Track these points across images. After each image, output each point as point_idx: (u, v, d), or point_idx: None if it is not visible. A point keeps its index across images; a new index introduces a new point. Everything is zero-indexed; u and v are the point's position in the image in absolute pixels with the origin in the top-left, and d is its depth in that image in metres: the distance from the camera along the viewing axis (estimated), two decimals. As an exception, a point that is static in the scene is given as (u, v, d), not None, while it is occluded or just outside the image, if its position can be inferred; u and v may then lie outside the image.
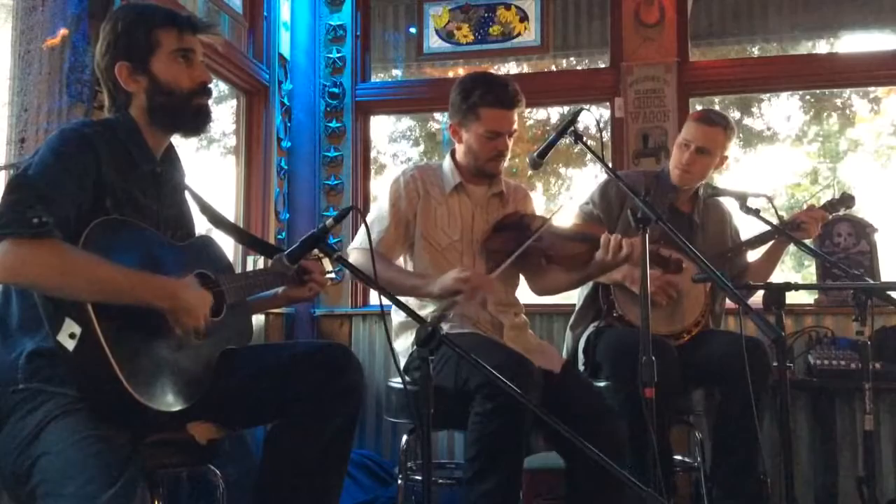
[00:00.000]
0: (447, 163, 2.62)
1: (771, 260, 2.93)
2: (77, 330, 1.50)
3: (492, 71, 3.90)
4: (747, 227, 2.96)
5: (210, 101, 1.85)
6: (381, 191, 2.67)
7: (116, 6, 2.61)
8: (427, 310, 2.47)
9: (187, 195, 1.99)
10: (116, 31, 1.78)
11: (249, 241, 2.26)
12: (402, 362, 2.44)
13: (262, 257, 3.43)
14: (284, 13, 4.16)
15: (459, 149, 2.59)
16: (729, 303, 3.09)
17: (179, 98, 1.79)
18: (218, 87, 3.82)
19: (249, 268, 3.49)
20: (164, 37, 1.78)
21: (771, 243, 2.88)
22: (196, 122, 1.85)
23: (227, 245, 2.13)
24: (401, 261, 2.60)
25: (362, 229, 2.54)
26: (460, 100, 2.50)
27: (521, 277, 2.67)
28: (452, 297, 2.27)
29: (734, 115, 5.74)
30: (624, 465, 2.17)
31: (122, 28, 1.78)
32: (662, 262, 2.31)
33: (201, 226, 2.07)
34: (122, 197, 1.71)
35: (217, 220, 2.08)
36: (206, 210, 2.05)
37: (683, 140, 2.84)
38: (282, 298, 2.11)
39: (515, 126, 2.51)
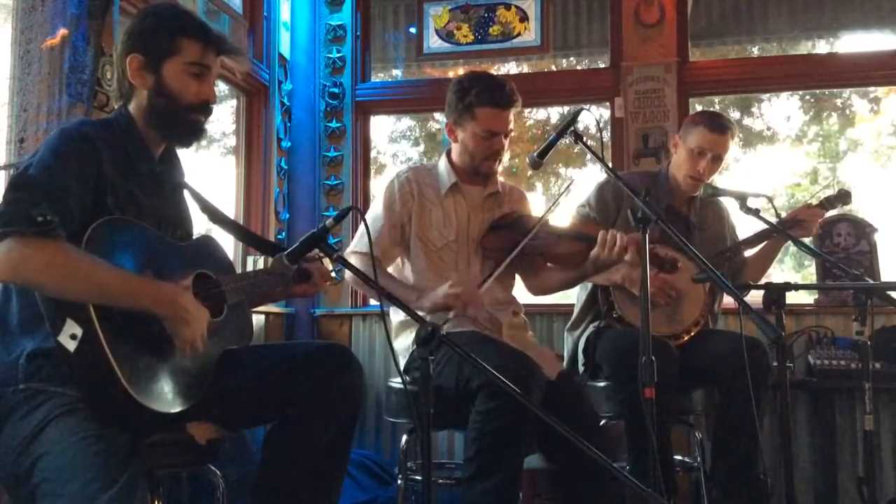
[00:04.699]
0: (442, 163, 2.62)
1: (768, 256, 2.94)
2: (78, 331, 1.50)
3: (492, 71, 3.90)
4: (745, 226, 2.96)
5: (206, 119, 1.85)
6: (377, 192, 2.66)
7: (117, 5, 2.62)
8: (426, 310, 2.47)
9: (187, 194, 1.99)
10: (144, 24, 1.79)
11: (249, 238, 2.26)
12: (402, 362, 2.44)
13: (262, 257, 3.45)
14: (284, 13, 4.16)
15: (455, 148, 2.59)
16: (727, 302, 3.09)
17: (179, 108, 1.79)
18: (218, 87, 3.82)
19: (249, 268, 3.50)
20: (186, 46, 1.78)
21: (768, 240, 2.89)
22: (188, 135, 1.85)
23: (227, 244, 2.13)
24: (397, 262, 2.59)
25: (360, 232, 2.55)
26: (456, 99, 2.50)
27: (517, 276, 2.66)
28: (443, 313, 2.29)
29: (734, 115, 5.75)
30: (614, 478, 2.17)
31: (150, 23, 1.79)
32: (657, 261, 2.31)
33: (200, 225, 2.07)
34: (123, 195, 1.71)
35: (217, 217, 2.08)
36: (206, 208, 2.05)
37: (698, 148, 2.80)
38: (281, 293, 2.12)
39: (511, 126, 2.51)
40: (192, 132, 1.84)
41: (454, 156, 2.60)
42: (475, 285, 2.38)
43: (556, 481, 2.34)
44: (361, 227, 2.45)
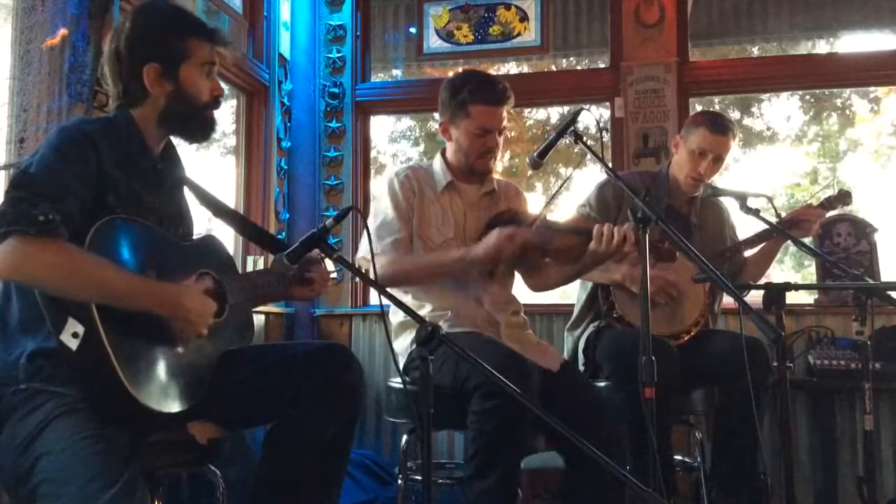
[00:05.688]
0: (438, 162, 2.62)
1: (768, 256, 2.94)
2: (80, 329, 1.49)
3: (491, 71, 3.91)
4: (745, 226, 2.96)
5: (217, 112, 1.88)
6: (378, 194, 2.63)
7: (117, 5, 2.62)
8: (425, 309, 2.47)
9: (187, 190, 1.99)
10: (149, 28, 1.78)
11: (251, 231, 2.25)
12: (402, 362, 2.44)
13: (262, 258, 3.45)
14: (284, 13, 4.16)
15: (450, 147, 2.58)
16: (727, 302, 3.09)
17: (196, 108, 1.81)
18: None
19: (249, 268, 3.50)
20: (196, 47, 1.79)
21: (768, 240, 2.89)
22: (203, 131, 1.87)
23: (227, 244, 2.12)
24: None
25: (374, 235, 2.50)
26: (449, 97, 2.49)
27: (517, 274, 2.66)
28: (498, 256, 2.32)
29: (734, 115, 5.75)
30: (623, 464, 2.17)
31: (156, 28, 1.78)
32: (655, 251, 2.31)
33: (200, 222, 2.07)
34: (124, 193, 1.71)
35: (219, 209, 2.07)
36: (208, 200, 2.04)
37: (699, 149, 2.79)
38: (282, 295, 2.11)
39: (505, 123, 2.50)
40: (208, 128, 1.87)
41: (449, 154, 2.60)
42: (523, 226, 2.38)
43: (565, 477, 2.33)
44: (372, 228, 2.45)
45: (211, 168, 4.69)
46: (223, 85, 3.81)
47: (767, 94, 5.59)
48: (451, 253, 2.44)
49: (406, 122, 6.48)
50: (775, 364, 2.17)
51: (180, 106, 1.79)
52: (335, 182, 4.16)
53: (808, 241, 2.93)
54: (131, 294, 1.55)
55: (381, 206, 2.55)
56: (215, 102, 1.84)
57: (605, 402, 2.36)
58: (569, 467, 2.32)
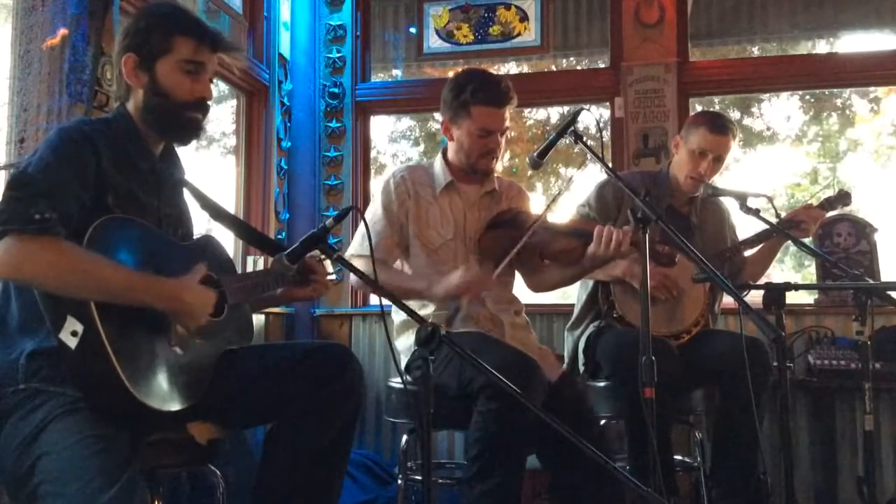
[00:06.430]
0: (438, 162, 2.62)
1: (768, 256, 2.94)
2: (79, 328, 1.50)
3: (491, 71, 3.90)
4: (745, 226, 2.96)
5: (204, 117, 1.85)
6: (374, 193, 2.65)
7: (117, 5, 2.62)
8: (427, 310, 2.47)
9: (186, 192, 1.99)
10: (139, 23, 1.80)
11: (250, 235, 2.25)
12: (403, 362, 2.44)
13: (262, 258, 3.45)
14: (284, 13, 4.16)
15: (451, 146, 2.58)
16: (727, 302, 3.09)
17: (174, 106, 1.79)
18: (218, 87, 3.83)
19: (249, 268, 3.50)
20: (179, 44, 1.78)
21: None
22: (184, 133, 1.85)
23: (227, 244, 2.12)
24: (398, 264, 2.58)
25: (359, 233, 2.53)
26: (452, 97, 2.49)
27: (517, 274, 2.66)
28: (456, 301, 2.30)
29: (734, 115, 5.75)
30: (613, 481, 2.16)
31: (145, 23, 1.79)
32: (654, 255, 2.30)
33: (200, 224, 2.07)
34: (123, 194, 1.71)
35: (218, 213, 2.07)
36: (207, 204, 2.03)
37: (699, 149, 2.79)
38: (283, 297, 2.11)
39: (507, 124, 2.49)
40: (189, 130, 1.84)
41: (450, 154, 2.59)
42: (487, 273, 2.37)
43: (554, 485, 2.34)
44: (361, 228, 2.45)
45: (211, 168, 4.69)
46: (223, 84, 3.84)
47: (767, 94, 5.59)
48: (415, 281, 2.44)
49: (406, 122, 6.49)
50: (775, 364, 2.16)
51: (156, 99, 1.77)
52: (335, 182, 4.16)
53: (807, 240, 2.93)
54: (130, 290, 1.55)
55: (374, 205, 2.58)
56: (198, 104, 1.81)
57: (595, 420, 2.38)
58: (554, 480, 2.32)
